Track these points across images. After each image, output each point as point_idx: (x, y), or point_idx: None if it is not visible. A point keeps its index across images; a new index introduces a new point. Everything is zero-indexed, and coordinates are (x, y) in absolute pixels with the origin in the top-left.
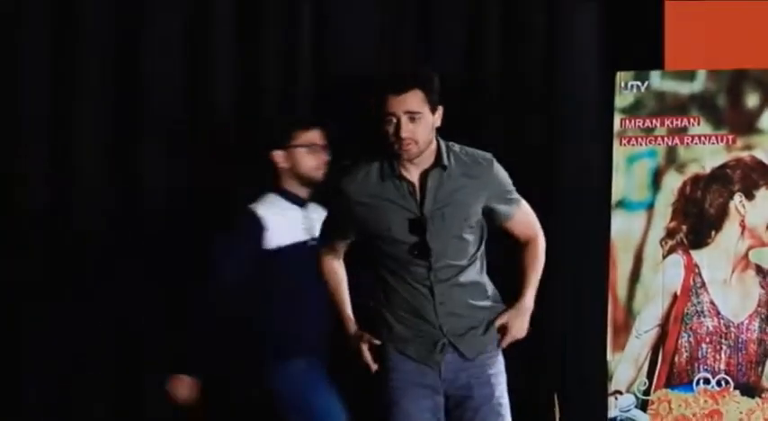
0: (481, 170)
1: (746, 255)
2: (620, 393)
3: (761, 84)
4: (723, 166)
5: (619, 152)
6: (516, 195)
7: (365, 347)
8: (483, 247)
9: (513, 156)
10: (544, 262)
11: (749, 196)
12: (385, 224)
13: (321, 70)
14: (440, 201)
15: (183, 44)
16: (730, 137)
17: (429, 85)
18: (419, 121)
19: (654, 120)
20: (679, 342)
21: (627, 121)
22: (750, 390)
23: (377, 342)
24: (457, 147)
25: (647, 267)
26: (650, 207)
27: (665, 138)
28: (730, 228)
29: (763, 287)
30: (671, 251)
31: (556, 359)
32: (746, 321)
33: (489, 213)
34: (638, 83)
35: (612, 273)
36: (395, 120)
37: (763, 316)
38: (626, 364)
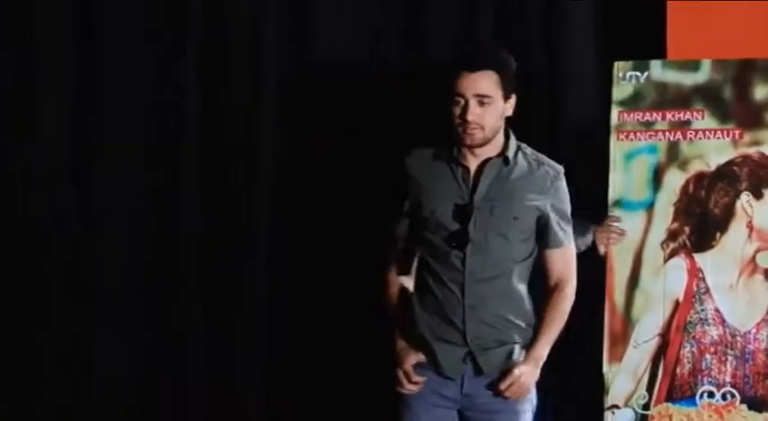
0: (546, 178)
1: (754, 258)
2: (618, 407)
3: None
4: (729, 163)
5: (616, 147)
6: (571, 232)
7: (410, 363)
8: (531, 261)
9: None
10: (566, 319)
11: (757, 195)
12: (432, 205)
13: (302, 59)
14: (492, 194)
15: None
16: (737, 131)
17: (505, 69)
18: (488, 106)
19: (654, 114)
20: (681, 352)
21: (625, 115)
22: (758, 404)
23: (422, 357)
24: (529, 150)
25: (646, 272)
26: (650, 207)
27: (667, 133)
28: (737, 229)
29: None
30: (673, 254)
31: (549, 371)
32: (754, 330)
33: (539, 229)
34: (638, 73)
35: (610, 278)
36: (462, 102)
37: None
38: (624, 376)
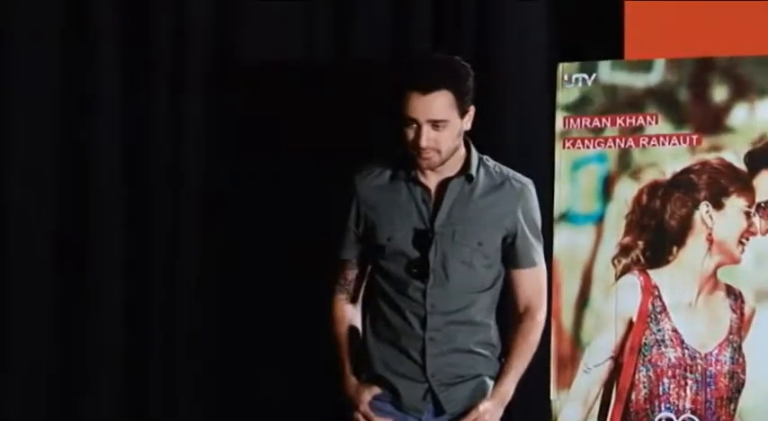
0: (513, 193)
1: (714, 274)
2: None
3: (729, 74)
4: (686, 171)
5: (562, 156)
6: (541, 250)
7: (366, 401)
8: (497, 288)
9: None
10: (535, 350)
11: (717, 205)
12: (388, 231)
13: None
14: (454, 217)
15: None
16: (694, 137)
17: (461, 86)
18: (444, 129)
19: (603, 119)
20: (636, 377)
21: (571, 120)
22: None
23: (377, 390)
24: (491, 162)
25: (597, 290)
26: (600, 220)
27: (617, 140)
28: (695, 242)
29: (734, 311)
30: (625, 271)
31: None
32: (716, 351)
33: (505, 249)
34: (584, 75)
35: (556, 298)
36: (415, 126)
37: (734, 345)
38: (573, 404)
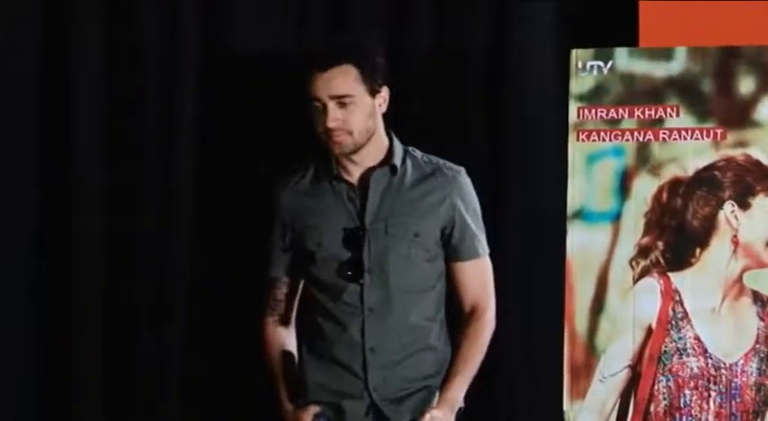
0: (444, 181)
1: (740, 278)
2: None
3: (756, 64)
4: (710, 168)
5: (576, 149)
6: (484, 239)
7: None
8: (442, 285)
9: (448, 156)
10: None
11: (743, 205)
12: (317, 236)
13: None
14: (385, 211)
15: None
16: (719, 131)
17: (365, 60)
18: (352, 106)
19: (620, 110)
20: (656, 387)
21: (586, 111)
22: None
23: (316, 409)
24: (419, 153)
25: (613, 294)
26: (617, 218)
27: (635, 133)
28: (719, 244)
29: (761, 318)
30: (644, 273)
31: (502, 409)
32: (741, 361)
33: (445, 240)
34: (600, 63)
35: (569, 301)
36: (321, 106)
37: (761, 355)
38: (588, 415)
